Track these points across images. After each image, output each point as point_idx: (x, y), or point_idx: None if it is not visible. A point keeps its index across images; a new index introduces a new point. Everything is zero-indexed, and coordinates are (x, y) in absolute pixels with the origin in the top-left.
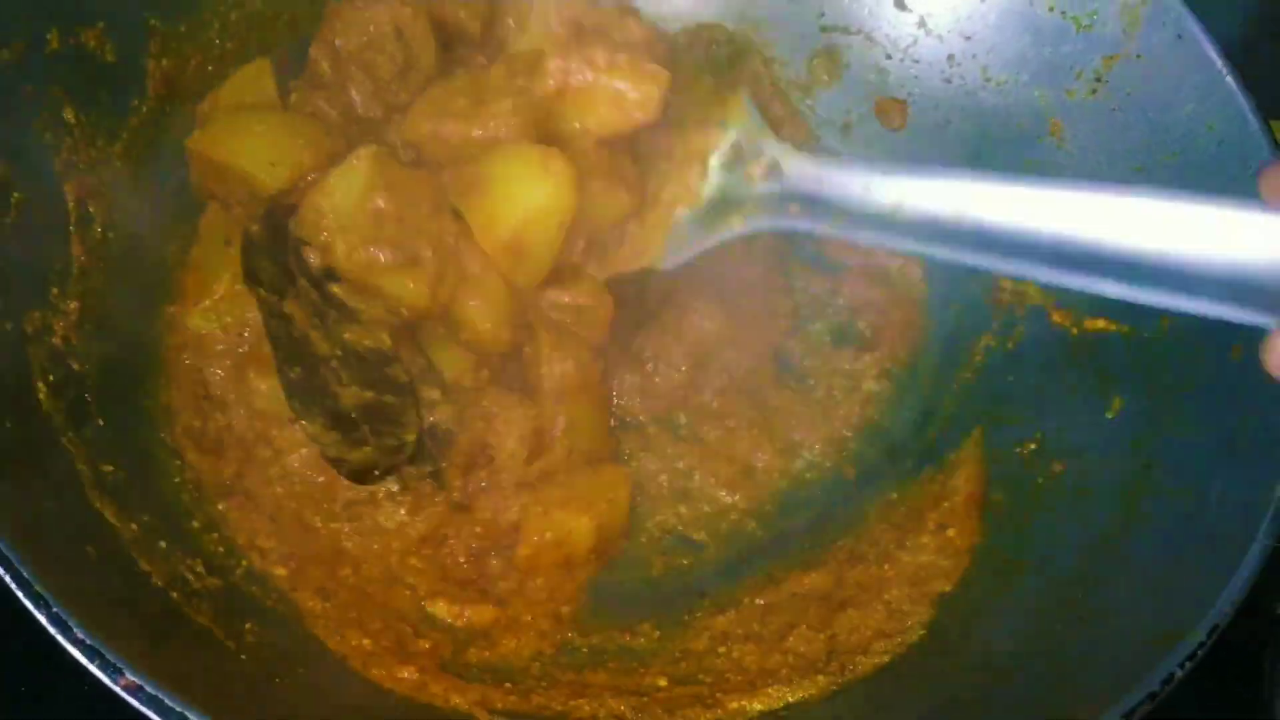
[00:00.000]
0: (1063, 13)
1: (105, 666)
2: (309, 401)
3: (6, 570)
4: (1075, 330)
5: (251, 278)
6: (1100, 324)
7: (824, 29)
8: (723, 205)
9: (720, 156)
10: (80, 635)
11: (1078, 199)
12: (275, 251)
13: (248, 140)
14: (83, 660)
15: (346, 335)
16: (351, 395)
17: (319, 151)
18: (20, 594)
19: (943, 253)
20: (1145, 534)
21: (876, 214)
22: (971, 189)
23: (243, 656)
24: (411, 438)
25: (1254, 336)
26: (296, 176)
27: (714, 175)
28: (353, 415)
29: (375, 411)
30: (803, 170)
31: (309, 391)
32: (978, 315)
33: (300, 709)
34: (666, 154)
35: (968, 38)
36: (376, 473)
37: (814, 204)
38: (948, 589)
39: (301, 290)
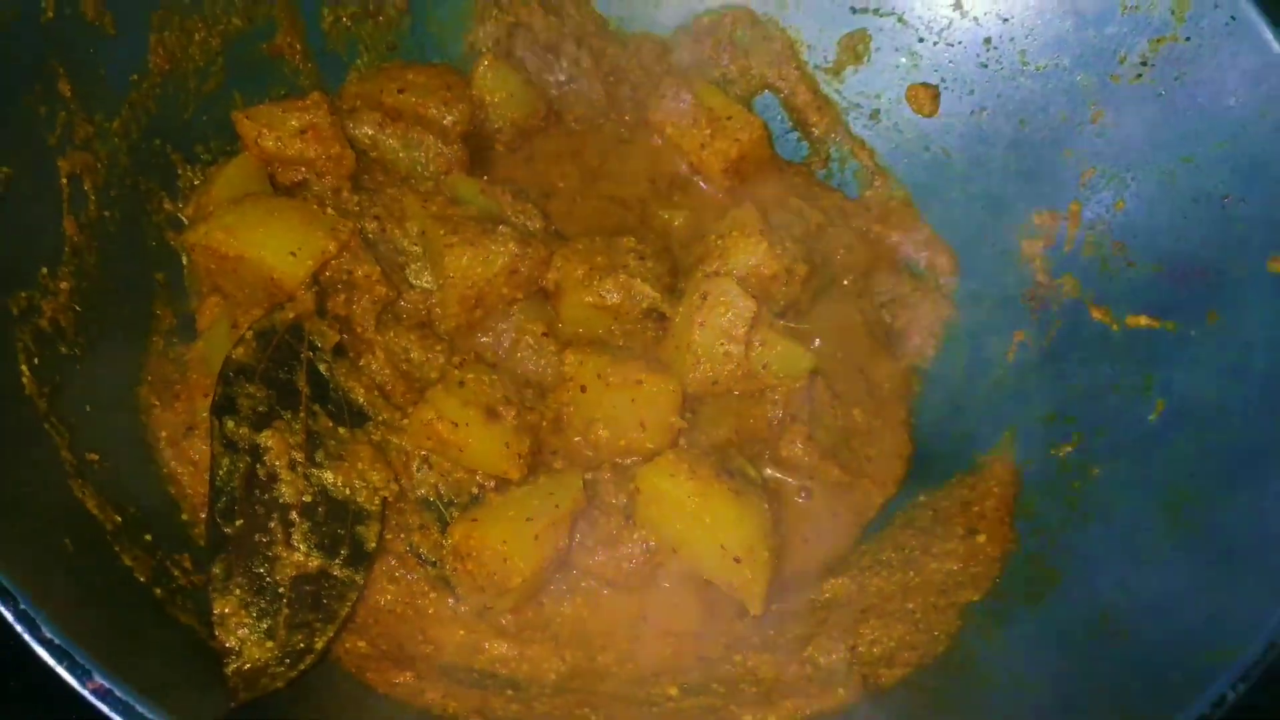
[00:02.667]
0: None
1: (74, 669)
2: (236, 563)
3: None
4: (1116, 327)
5: (225, 408)
6: (1142, 320)
7: (854, 10)
8: None
9: None
10: (48, 634)
11: None
12: (273, 368)
13: (261, 231)
14: (50, 662)
15: (329, 476)
16: (295, 562)
17: (339, 238)
18: None
19: None
20: (1192, 544)
21: None
22: None
23: None
24: (322, 644)
25: None
26: (317, 267)
27: None
28: (280, 590)
29: (312, 589)
30: None
31: (242, 551)
32: (1011, 309)
33: (288, 716)
34: None
35: (1006, 20)
36: (263, 681)
37: None
38: (976, 598)
39: (301, 411)
